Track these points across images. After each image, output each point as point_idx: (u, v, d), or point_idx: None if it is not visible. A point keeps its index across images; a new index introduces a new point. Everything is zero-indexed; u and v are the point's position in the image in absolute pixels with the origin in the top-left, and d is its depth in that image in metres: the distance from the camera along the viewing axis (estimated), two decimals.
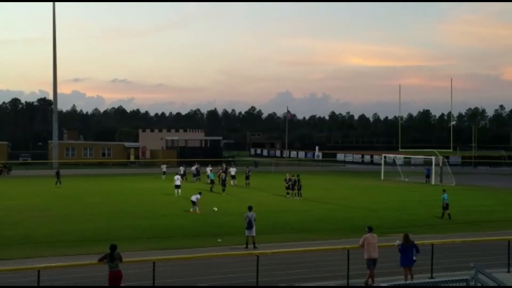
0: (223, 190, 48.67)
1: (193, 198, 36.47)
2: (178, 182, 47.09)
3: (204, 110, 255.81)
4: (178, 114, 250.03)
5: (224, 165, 58.52)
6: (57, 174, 56.99)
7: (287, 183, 46.60)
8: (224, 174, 51.89)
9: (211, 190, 49.91)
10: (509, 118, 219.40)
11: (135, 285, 18.59)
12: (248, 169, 57.69)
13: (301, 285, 19.32)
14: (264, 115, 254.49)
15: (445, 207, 34.98)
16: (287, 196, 45.81)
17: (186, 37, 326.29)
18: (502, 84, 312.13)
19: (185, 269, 20.89)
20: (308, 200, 43.46)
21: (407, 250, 18.92)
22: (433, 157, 62.82)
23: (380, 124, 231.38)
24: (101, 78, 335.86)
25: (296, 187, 45.40)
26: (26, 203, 41.50)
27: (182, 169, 60.46)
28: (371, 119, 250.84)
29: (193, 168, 61.73)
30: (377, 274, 19.30)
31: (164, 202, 42.35)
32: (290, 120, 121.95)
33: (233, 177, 56.60)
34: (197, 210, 36.11)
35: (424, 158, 74.23)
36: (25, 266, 18.52)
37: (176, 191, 46.74)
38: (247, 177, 55.68)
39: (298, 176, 46.13)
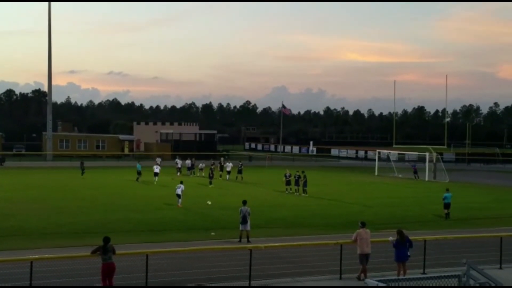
0: (210, 182, 50.03)
1: (178, 191, 36.25)
2: (156, 170, 52.33)
3: (199, 104, 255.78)
4: (173, 107, 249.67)
5: (218, 159, 58.61)
6: (82, 164, 57.44)
7: (287, 178, 46.22)
8: (213, 168, 52.65)
9: (136, 180, 52.02)
10: (503, 116, 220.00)
11: (128, 277, 18.59)
12: (240, 163, 57.82)
13: (294, 279, 19.36)
14: (259, 109, 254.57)
15: (445, 206, 34.01)
16: (286, 191, 45.42)
17: (182, 31, 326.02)
18: (498, 82, 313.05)
19: (178, 262, 20.91)
20: (302, 196, 43.48)
21: (401, 246, 18.97)
22: (427, 154, 62.97)
23: (375, 120, 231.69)
24: (97, 71, 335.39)
25: (300, 183, 44.79)
26: (19, 195, 41.40)
27: (179, 162, 60.89)
28: (366, 115, 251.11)
29: (188, 161, 61.97)
30: (369, 269, 19.36)
31: (158, 195, 42.29)
32: (288, 115, 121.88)
33: (228, 172, 56.61)
34: (179, 204, 36.04)
35: (418, 154, 74.46)
36: (17, 257, 18.49)
37: (154, 178, 51.51)
38: (240, 171, 55.78)
39: (303, 172, 45.71)
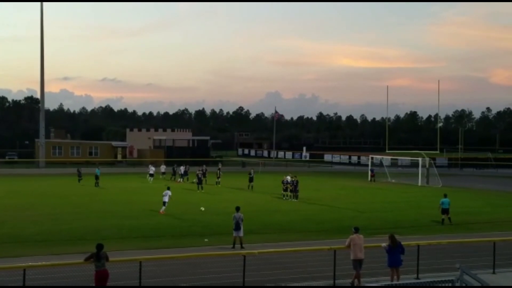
0: (198, 187, 50.83)
1: (166, 198, 36.24)
2: (151, 172, 60.96)
3: (192, 110, 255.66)
4: (166, 113, 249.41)
5: (204, 166, 58.53)
6: (79, 171, 58.41)
7: (284, 185, 45.59)
8: (201, 173, 52.89)
9: (95, 185, 53.72)
10: (496, 121, 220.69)
11: (122, 285, 18.54)
12: (252, 171, 55.66)
13: (288, 285, 19.34)
14: (252, 115, 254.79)
15: (442, 212, 33.87)
16: (283, 198, 44.97)
17: (175, 37, 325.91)
18: (490, 87, 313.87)
19: (171, 269, 20.86)
20: (296, 201, 43.48)
21: (394, 251, 18.99)
22: (419, 159, 63.16)
23: (368, 125, 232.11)
24: (90, 77, 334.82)
25: (290, 188, 44.72)
26: (12, 202, 41.27)
27: (182, 168, 61.77)
28: (359, 120, 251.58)
29: (182, 167, 62.11)
30: (363, 275, 19.36)
31: (152, 201, 42.16)
32: (277, 120, 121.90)
33: (294, 190, 45.53)
34: (162, 210, 35.97)
35: (411, 159, 74.66)
36: (10, 265, 18.38)
37: (149, 178, 59.88)
38: (251, 179, 53.11)
39: (295, 177, 45.68)
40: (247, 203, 39.29)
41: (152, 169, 61.42)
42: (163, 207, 36.12)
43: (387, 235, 19.84)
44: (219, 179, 56.55)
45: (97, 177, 54.17)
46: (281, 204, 42.25)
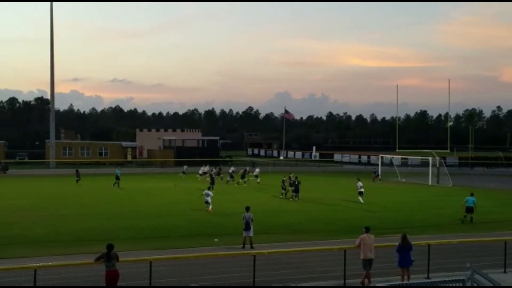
0: (210, 187, 49.86)
1: (208, 198, 37.12)
2: (200, 172, 62.41)
3: (201, 110, 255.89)
4: (176, 114, 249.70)
5: (218, 167, 59.16)
6: (77, 172, 58.12)
7: (283, 184, 46.42)
8: (215, 173, 53.62)
9: (113, 185, 53.24)
10: (506, 119, 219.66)
11: (132, 285, 18.57)
12: (294, 177, 47.10)
13: (298, 285, 19.32)
14: (262, 115, 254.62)
15: (467, 210, 33.79)
16: (281, 196, 45.84)
17: (184, 38, 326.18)
18: (500, 85, 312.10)
19: (181, 269, 20.88)
20: (305, 201, 43.40)
21: (404, 250, 18.92)
22: (430, 158, 62.93)
23: (377, 125, 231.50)
24: (100, 78, 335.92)
25: (288, 188, 45.42)
26: (22, 203, 41.43)
27: (214, 169, 61.99)
28: (369, 120, 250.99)
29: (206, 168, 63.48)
30: (373, 274, 19.31)
31: (161, 202, 42.29)
32: (289, 120, 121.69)
33: (361, 193, 43.56)
34: (209, 209, 36.78)
35: (421, 158, 74.42)
36: (21, 265, 18.45)
37: (198, 177, 61.15)
38: (297, 189, 44.82)
39: (296, 178, 45.86)
40: (257, 203, 39.18)
41: (201, 169, 62.94)
42: (209, 206, 36.92)
43: (399, 234, 19.75)
44: (245, 179, 57.45)
45: (117, 177, 53.74)
46: (291, 204, 42.18)
